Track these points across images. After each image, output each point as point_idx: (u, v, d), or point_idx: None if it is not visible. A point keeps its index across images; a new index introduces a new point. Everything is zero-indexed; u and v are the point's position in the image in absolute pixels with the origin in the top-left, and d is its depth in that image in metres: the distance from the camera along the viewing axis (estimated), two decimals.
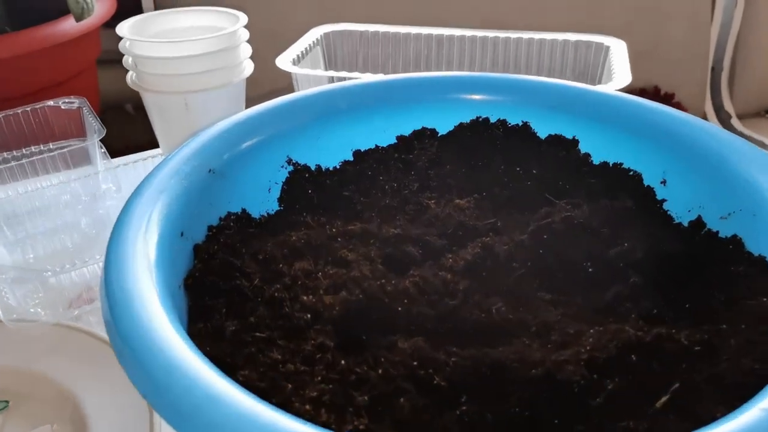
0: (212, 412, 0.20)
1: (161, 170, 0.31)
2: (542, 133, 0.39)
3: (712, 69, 1.30)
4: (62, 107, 0.49)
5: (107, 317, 0.23)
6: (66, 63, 0.81)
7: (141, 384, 0.21)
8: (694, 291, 0.29)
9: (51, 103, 0.50)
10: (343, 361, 0.25)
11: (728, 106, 1.29)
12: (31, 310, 0.35)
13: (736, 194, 0.31)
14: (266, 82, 0.61)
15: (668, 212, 0.34)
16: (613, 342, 0.24)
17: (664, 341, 0.24)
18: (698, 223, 0.33)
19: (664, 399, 0.22)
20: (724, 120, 1.27)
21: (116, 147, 0.87)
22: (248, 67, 0.51)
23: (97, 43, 0.84)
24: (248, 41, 0.51)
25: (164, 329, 0.22)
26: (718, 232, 0.32)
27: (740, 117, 1.28)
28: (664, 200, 0.35)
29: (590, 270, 0.29)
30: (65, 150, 0.43)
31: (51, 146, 0.50)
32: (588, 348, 0.24)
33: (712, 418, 0.21)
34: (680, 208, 0.34)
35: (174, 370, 0.21)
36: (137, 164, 0.51)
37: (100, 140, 0.47)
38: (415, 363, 0.24)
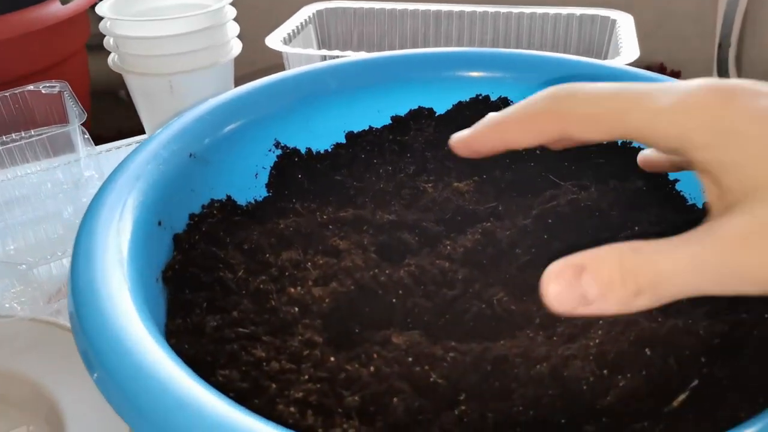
0: (183, 420, 0.18)
1: (137, 155, 0.29)
2: None
3: (719, 45, 1.27)
4: (43, 92, 0.47)
5: (72, 316, 0.22)
6: (54, 47, 0.79)
7: (106, 389, 0.19)
8: None
9: (31, 87, 0.48)
10: (332, 358, 0.23)
11: None
12: (7, 305, 0.34)
13: None
14: (256, 62, 0.59)
15: (681, 193, 0.32)
16: (625, 335, 0.22)
17: (680, 334, 0.22)
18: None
19: (681, 397, 0.20)
20: None
21: (108, 135, 0.85)
22: (236, 47, 0.49)
23: (85, 26, 0.82)
24: (236, 19, 0.48)
25: (132, 328, 0.20)
26: None
27: None
28: (677, 180, 0.33)
29: None
30: (44, 136, 0.41)
31: (32, 132, 0.48)
32: (597, 341, 0.22)
33: (734, 420, 0.19)
34: (694, 188, 0.32)
35: (142, 374, 0.19)
36: (120, 150, 0.49)
37: (90, 127, 0.45)
38: (410, 359, 0.23)
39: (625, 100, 0.17)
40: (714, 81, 0.17)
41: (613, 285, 0.17)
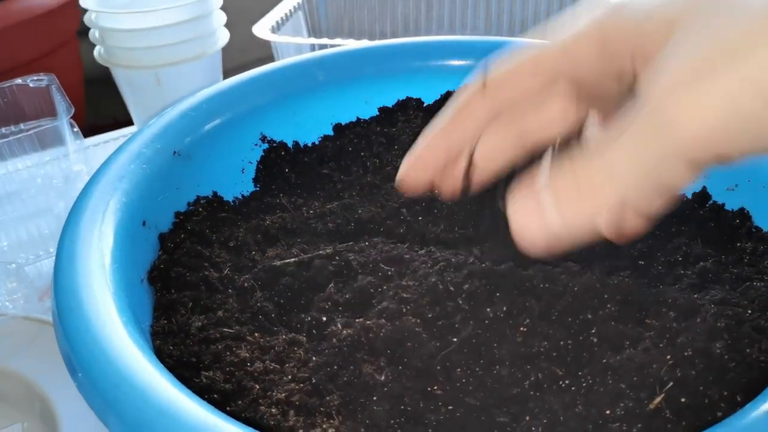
0: (163, 427, 0.18)
1: (119, 155, 0.29)
2: None
3: None
4: (31, 85, 0.47)
5: (55, 321, 0.22)
6: (44, 37, 0.78)
7: (88, 394, 0.19)
8: (699, 270, 0.26)
9: (19, 81, 0.47)
10: (315, 358, 0.23)
11: None
12: None
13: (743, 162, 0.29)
14: (245, 52, 0.58)
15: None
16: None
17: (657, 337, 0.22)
18: (703, 195, 0.31)
19: (658, 399, 0.20)
20: None
21: (104, 124, 0.84)
22: (223, 37, 0.48)
23: (75, 13, 0.81)
24: (222, 8, 0.48)
25: (114, 334, 0.21)
26: (724, 204, 0.30)
27: None
28: None
29: None
30: (32, 132, 0.41)
31: (22, 127, 0.48)
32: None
33: (713, 419, 0.19)
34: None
35: (123, 381, 0.19)
36: (109, 144, 0.49)
37: (85, 116, 0.44)
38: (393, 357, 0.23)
39: None
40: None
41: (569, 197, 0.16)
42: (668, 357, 0.20)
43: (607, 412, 0.19)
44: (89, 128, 0.62)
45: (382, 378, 0.22)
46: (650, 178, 0.15)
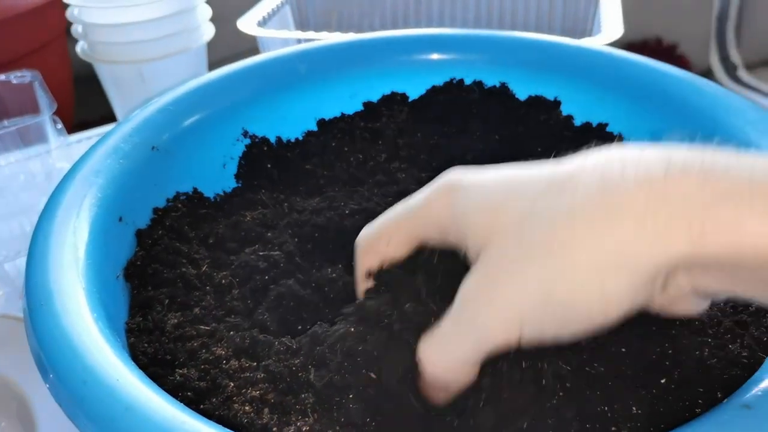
0: (130, 424, 0.18)
1: (97, 150, 0.28)
2: (522, 95, 0.36)
3: (718, 18, 1.24)
4: (14, 82, 0.46)
5: (25, 318, 0.21)
6: (30, 35, 0.77)
7: (56, 392, 0.19)
8: None
9: (2, 77, 0.47)
10: (291, 357, 0.23)
11: (735, 56, 1.23)
12: None
13: None
14: (231, 46, 0.58)
15: None
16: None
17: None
18: None
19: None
20: (730, 71, 1.22)
21: (94, 121, 0.84)
22: (208, 31, 0.47)
23: (62, 11, 0.80)
24: (207, 2, 0.47)
25: (83, 330, 0.20)
26: None
27: (748, 67, 1.23)
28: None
29: None
30: (13, 128, 0.40)
31: (6, 123, 0.47)
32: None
33: (691, 416, 0.19)
34: None
35: (90, 378, 0.19)
36: (92, 141, 0.48)
37: (74, 114, 0.44)
38: (368, 358, 0.22)
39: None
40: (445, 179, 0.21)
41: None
42: (649, 354, 0.20)
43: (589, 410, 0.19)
44: (78, 125, 0.61)
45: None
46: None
